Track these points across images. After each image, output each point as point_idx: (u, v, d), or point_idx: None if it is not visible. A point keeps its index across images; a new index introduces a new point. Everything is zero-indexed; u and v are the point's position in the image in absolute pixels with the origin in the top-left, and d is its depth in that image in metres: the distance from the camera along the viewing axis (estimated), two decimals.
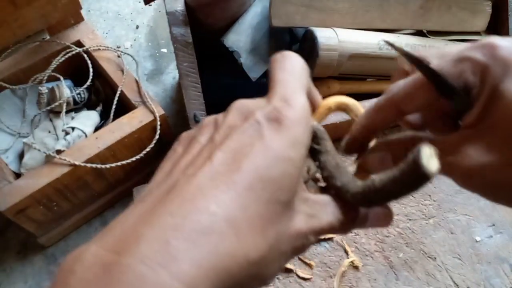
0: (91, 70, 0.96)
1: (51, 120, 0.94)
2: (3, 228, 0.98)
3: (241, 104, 0.27)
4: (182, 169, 0.25)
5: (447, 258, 0.81)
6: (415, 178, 0.23)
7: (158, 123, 0.90)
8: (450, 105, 0.31)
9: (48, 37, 1.02)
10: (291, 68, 0.28)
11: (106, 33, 1.33)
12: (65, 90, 0.94)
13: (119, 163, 0.87)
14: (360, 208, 0.30)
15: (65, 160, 0.82)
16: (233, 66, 0.92)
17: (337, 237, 0.82)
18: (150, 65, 1.27)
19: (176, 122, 1.14)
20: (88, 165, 0.84)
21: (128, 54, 1.03)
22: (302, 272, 0.78)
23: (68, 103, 0.94)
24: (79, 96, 0.97)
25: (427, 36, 0.98)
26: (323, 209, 0.29)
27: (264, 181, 0.23)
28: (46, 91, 0.93)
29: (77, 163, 0.82)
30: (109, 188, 0.98)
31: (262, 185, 0.23)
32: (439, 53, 0.32)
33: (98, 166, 0.85)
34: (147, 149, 0.90)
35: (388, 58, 0.90)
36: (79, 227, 1.00)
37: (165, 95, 1.21)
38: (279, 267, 0.26)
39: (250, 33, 0.92)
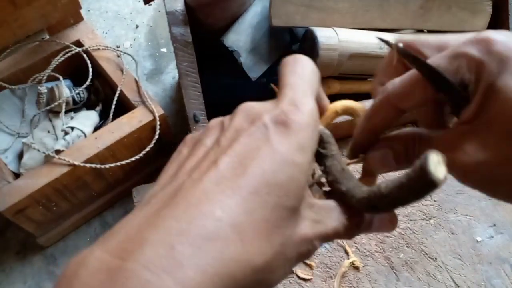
0: (90, 70, 0.95)
1: (50, 120, 0.94)
2: (3, 228, 0.98)
3: (248, 107, 0.27)
4: (187, 172, 0.25)
5: (447, 259, 0.81)
6: (423, 185, 0.23)
7: (158, 123, 0.90)
8: (446, 101, 0.31)
9: (47, 37, 1.02)
10: (301, 72, 0.28)
11: (106, 33, 1.32)
12: (65, 90, 0.94)
13: (118, 163, 0.87)
14: (365, 213, 0.30)
15: (64, 160, 0.82)
16: (233, 66, 0.92)
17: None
18: (149, 64, 1.27)
19: (175, 122, 1.14)
20: (88, 165, 0.83)
21: (127, 54, 1.02)
22: (302, 272, 0.78)
23: (67, 103, 0.94)
24: (78, 96, 0.96)
25: None
26: (328, 215, 0.28)
27: (271, 186, 0.23)
28: (46, 91, 0.93)
29: (76, 163, 0.82)
30: (109, 188, 0.98)
31: (268, 189, 0.23)
32: (436, 44, 0.31)
33: (98, 166, 0.85)
34: (147, 149, 0.90)
35: None
36: (78, 227, 0.99)
37: (164, 95, 1.21)
38: (284, 273, 0.25)
39: (250, 33, 0.92)
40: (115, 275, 0.20)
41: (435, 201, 0.87)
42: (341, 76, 0.93)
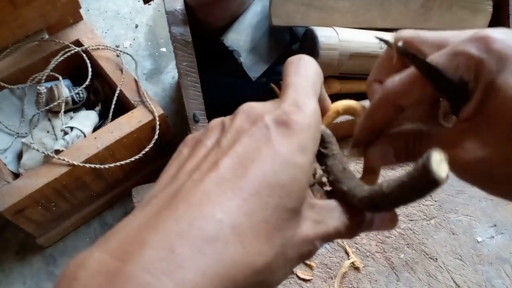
0: (90, 69, 0.95)
1: (49, 120, 0.94)
2: (2, 229, 0.98)
3: (249, 107, 0.27)
4: (187, 173, 0.25)
5: (448, 259, 0.81)
6: (425, 184, 0.23)
7: (157, 123, 0.89)
8: (445, 99, 0.31)
9: (47, 36, 1.02)
10: (305, 72, 0.28)
11: (105, 33, 1.32)
12: (64, 89, 0.94)
13: (118, 163, 0.87)
14: (366, 212, 0.30)
15: (63, 160, 0.81)
16: (233, 65, 0.92)
17: (339, 239, 0.82)
18: (149, 64, 1.26)
19: (175, 122, 1.14)
20: (87, 165, 0.83)
21: (127, 54, 1.02)
22: (303, 273, 0.78)
23: (66, 103, 0.94)
24: (77, 95, 0.96)
25: None
26: (329, 215, 0.28)
27: (272, 187, 0.23)
28: (45, 90, 0.93)
29: (75, 163, 0.82)
30: (108, 188, 0.98)
31: (269, 191, 0.23)
32: (436, 42, 0.31)
33: (97, 166, 0.84)
34: (146, 149, 0.89)
35: None
36: (78, 228, 0.99)
37: (164, 95, 1.21)
38: (285, 274, 0.25)
39: (250, 32, 0.92)
40: (115, 277, 0.19)
41: (435, 201, 0.87)
42: (342, 76, 0.93)
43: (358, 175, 0.33)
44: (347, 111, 0.36)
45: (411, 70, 0.31)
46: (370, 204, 0.27)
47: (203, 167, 0.24)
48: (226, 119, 0.28)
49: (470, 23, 0.99)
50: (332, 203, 0.29)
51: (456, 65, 0.29)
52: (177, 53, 0.86)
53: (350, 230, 0.29)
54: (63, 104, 0.92)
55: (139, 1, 1.35)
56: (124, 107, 0.95)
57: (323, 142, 0.31)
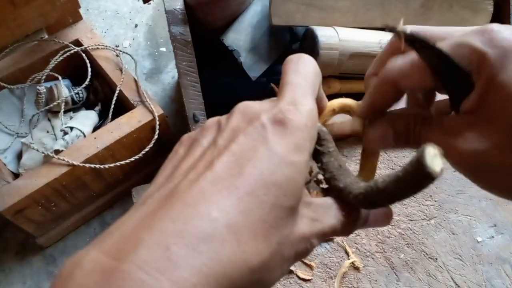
0: (89, 69, 0.95)
1: (49, 120, 0.94)
2: (2, 229, 0.98)
3: (245, 106, 0.27)
4: (183, 172, 0.25)
5: (448, 259, 0.80)
6: (419, 178, 0.23)
7: (157, 122, 0.89)
8: (445, 92, 0.31)
9: (46, 36, 1.02)
10: (304, 71, 0.28)
11: (105, 32, 1.32)
12: (64, 89, 0.94)
13: (117, 163, 0.87)
14: (361, 209, 0.30)
15: (63, 160, 0.81)
16: (233, 65, 0.92)
17: (337, 238, 0.82)
18: (149, 64, 1.26)
19: (175, 122, 1.14)
20: (87, 165, 0.83)
21: (126, 53, 1.02)
22: (303, 273, 0.78)
23: (66, 103, 0.94)
24: (77, 95, 0.96)
25: None
26: (326, 212, 0.28)
27: (268, 186, 0.23)
28: (44, 90, 0.93)
29: (75, 163, 0.82)
30: (108, 188, 0.98)
31: (265, 190, 0.23)
32: (442, 35, 0.31)
33: (97, 166, 0.84)
34: (146, 149, 0.89)
35: None
36: (77, 228, 0.99)
37: (164, 95, 1.21)
38: (282, 272, 0.25)
39: (249, 32, 0.92)
40: (110, 276, 0.19)
41: (435, 201, 0.87)
42: (342, 75, 0.93)
43: (355, 173, 0.34)
44: (343, 109, 0.37)
45: (413, 55, 0.30)
46: (366, 200, 0.28)
47: (199, 166, 0.24)
48: (222, 118, 0.28)
49: (471, 23, 0.98)
50: (328, 200, 0.29)
51: (459, 56, 0.28)
52: (176, 53, 0.86)
53: (346, 227, 0.29)
54: (63, 104, 0.92)
55: (138, 1, 1.35)
56: (123, 107, 0.95)
57: (319, 139, 0.31)
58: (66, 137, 0.87)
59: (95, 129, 0.94)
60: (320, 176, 0.32)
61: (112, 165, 0.86)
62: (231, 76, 0.98)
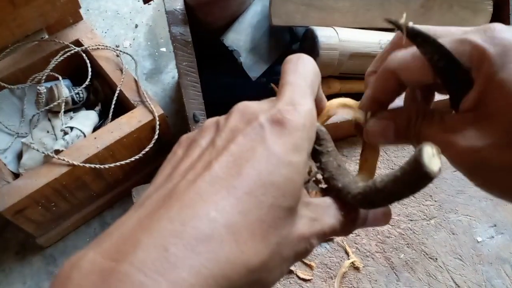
0: (89, 69, 0.95)
1: (49, 120, 0.94)
2: (2, 229, 0.98)
3: (244, 106, 0.27)
4: (182, 173, 0.25)
5: (448, 259, 0.80)
6: (417, 178, 0.23)
7: (157, 123, 0.89)
8: (444, 89, 0.31)
9: (46, 36, 1.02)
10: (303, 71, 0.28)
11: (105, 32, 1.32)
12: (64, 89, 0.94)
13: (118, 163, 0.86)
14: (360, 209, 0.30)
15: (63, 160, 0.81)
16: (233, 65, 0.91)
17: (337, 238, 0.82)
18: (149, 64, 1.26)
19: (175, 122, 1.14)
20: (87, 165, 0.83)
21: (127, 54, 1.02)
22: (303, 273, 0.78)
23: (66, 103, 0.94)
24: (77, 95, 0.96)
25: None
26: (325, 212, 0.28)
27: (266, 187, 0.23)
28: (45, 90, 0.93)
29: (75, 163, 0.82)
30: (108, 188, 0.98)
31: (264, 190, 0.23)
32: (442, 32, 0.31)
33: (97, 166, 0.84)
34: (146, 149, 0.89)
35: None
36: (78, 228, 0.99)
37: (164, 95, 1.21)
38: (281, 273, 0.25)
39: (250, 32, 0.92)
40: (108, 277, 0.19)
41: (435, 201, 0.87)
42: (342, 75, 0.93)
43: (354, 174, 0.34)
44: (343, 109, 0.37)
45: (414, 49, 0.30)
46: (365, 200, 0.28)
47: (198, 166, 0.24)
48: (221, 118, 0.27)
49: (471, 23, 0.98)
50: (327, 200, 0.29)
51: (459, 53, 0.28)
52: (177, 53, 0.86)
53: (345, 227, 0.29)
54: (63, 104, 0.92)
55: (139, 1, 1.35)
56: (124, 107, 0.95)
57: (318, 139, 0.31)
58: (66, 137, 0.87)
59: (95, 129, 0.94)
60: (319, 176, 0.32)
61: (112, 165, 0.86)
62: (231, 76, 0.98)
